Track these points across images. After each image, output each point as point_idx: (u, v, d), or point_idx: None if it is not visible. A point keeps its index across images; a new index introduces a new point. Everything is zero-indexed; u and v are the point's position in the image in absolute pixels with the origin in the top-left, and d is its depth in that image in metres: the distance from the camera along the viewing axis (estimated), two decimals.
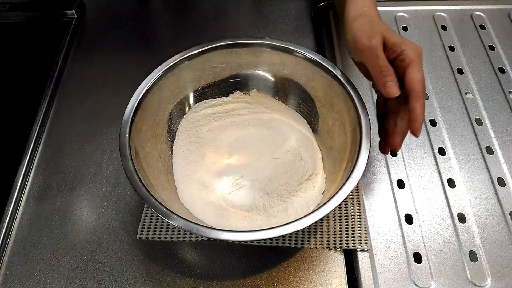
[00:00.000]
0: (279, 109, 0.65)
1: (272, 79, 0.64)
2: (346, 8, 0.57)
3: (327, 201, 0.47)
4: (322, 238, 0.56)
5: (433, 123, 0.67)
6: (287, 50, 0.61)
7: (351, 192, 0.51)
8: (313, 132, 0.63)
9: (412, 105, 0.49)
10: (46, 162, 0.64)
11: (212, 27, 0.82)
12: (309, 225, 0.46)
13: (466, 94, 0.71)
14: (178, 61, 0.59)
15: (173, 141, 0.61)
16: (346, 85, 0.56)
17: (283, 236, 0.52)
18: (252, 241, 0.55)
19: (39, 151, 0.65)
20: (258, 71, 0.64)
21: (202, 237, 0.56)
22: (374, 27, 0.53)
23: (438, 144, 0.65)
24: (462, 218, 0.58)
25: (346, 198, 0.50)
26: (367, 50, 0.52)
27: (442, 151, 0.64)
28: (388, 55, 0.52)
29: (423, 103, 0.49)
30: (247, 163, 0.61)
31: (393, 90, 0.49)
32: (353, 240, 0.56)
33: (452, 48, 0.77)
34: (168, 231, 0.56)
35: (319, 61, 0.59)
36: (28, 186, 0.62)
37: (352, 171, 0.49)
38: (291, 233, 0.49)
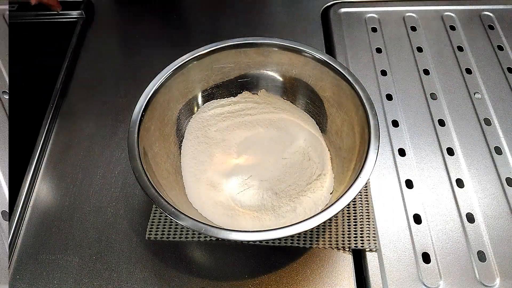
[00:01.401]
0: (287, 109, 0.65)
1: (281, 79, 0.64)
2: None
3: (336, 201, 0.47)
4: (331, 238, 0.56)
5: (441, 123, 0.67)
6: (296, 50, 0.61)
7: (360, 192, 0.51)
8: (321, 132, 0.63)
9: None
10: (55, 162, 0.64)
11: (220, 28, 0.82)
12: (318, 225, 0.46)
13: (474, 94, 0.71)
14: (187, 61, 0.59)
15: (181, 141, 0.61)
16: (355, 85, 0.56)
17: (292, 236, 0.52)
18: (260, 241, 0.55)
19: (47, 151, 0.65)
20: (267, 71, 0.64)
21: (210, 237, 0.56)
22: None
23: (446, 144, 0.65)
24: (470, 218, 0.58)
25: (354, 198, 0.50)
26: None
27: (450, 151, 0.64)
28: None
29: None
30: (256, 163, 0.61)
31: None
32: (361, 240, 0.55)
33: (460, 48, 0.77)
34: (177, 231, 0.56)
35: (328, 61, 0.59)
36: (36, 186, 0.62)
37: (360, 171, 0.49)
38: (299, 233, 0.49)
